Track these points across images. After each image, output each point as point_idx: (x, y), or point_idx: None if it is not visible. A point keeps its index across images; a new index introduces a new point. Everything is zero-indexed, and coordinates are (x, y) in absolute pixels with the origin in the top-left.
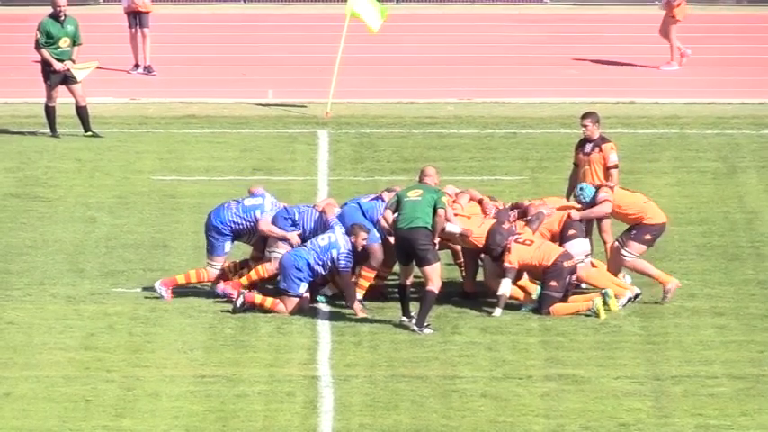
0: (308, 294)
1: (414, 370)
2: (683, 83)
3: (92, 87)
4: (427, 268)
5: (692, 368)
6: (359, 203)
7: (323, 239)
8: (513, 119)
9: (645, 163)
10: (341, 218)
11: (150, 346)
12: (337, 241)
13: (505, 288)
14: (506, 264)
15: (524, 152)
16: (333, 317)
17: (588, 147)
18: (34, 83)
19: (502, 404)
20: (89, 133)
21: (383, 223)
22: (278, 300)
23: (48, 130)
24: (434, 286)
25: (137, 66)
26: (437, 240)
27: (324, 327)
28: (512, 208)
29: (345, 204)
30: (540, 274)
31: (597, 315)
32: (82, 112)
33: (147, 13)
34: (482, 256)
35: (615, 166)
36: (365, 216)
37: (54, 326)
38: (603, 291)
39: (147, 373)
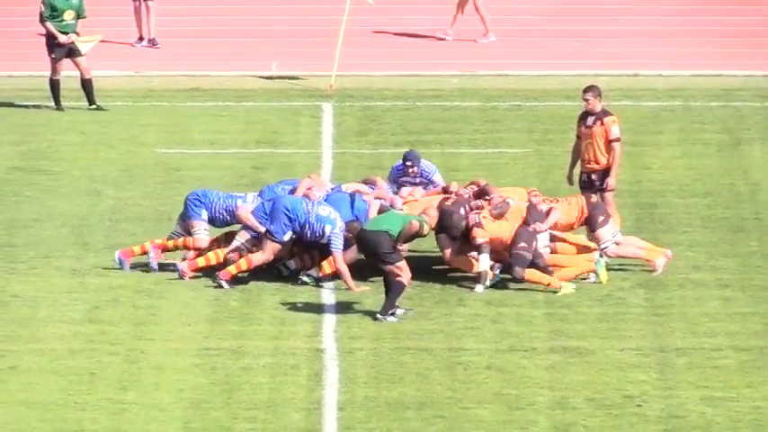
0: (287, 246)
1: (419, 342)
2: (688, 55)
3: (96, 60)
4: (392, 267)
5: (697, 340)
6: (352, 198)
7: (324, 209)
8: (517, 91)
9: (649, 135)
10: (327, 200)
11: (155, 318)
12: (336, 219)
13: (485, 264)
14: (478, 239)
15: (529, 124)
16: (338, 290)
17: (590, 120)
18: (38, 56)
19: (507, 376)
20: (93, 106)
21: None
22: (248, 255)
23: (52, 104)
24: (404, 278)
25: (141, 38)
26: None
27: (329, 299)
28: (475, 190)
29: (337, 189)
30: (507, 249)
31: (597, 279)
32: (86, 85)
33: None
34: (439, 236)
35: (617, 140)
36: (352, 209)
37: (59, 299)
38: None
39: (152, 346)
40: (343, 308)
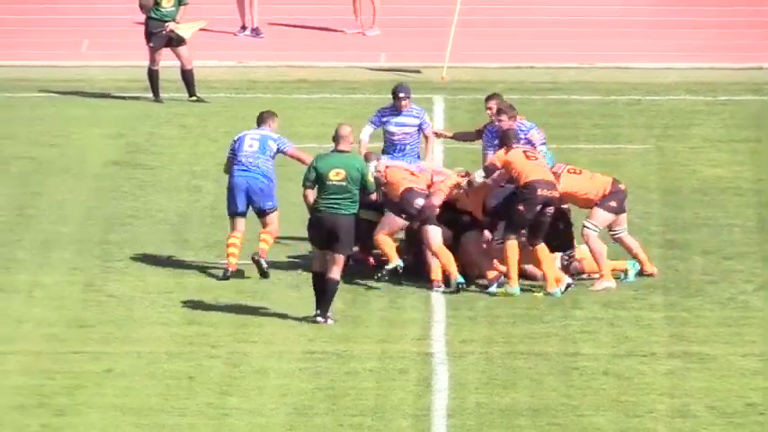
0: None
1: (532, 346)
2: None
3: (197, 50)
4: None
5: None
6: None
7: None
8: (636, 85)
9: None
10: None
11: (257, 320)
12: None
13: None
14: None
15: (649, 119)
16: (447, 291)
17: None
18: (136, 45)
19: (624, 382)
20: (194, 98)
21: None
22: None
23: (150, 95)
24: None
25: (243, 27)
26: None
27: (438, 301)
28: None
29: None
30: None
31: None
32: (187, 76)
33: None
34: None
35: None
36: None
37: (156, 299)
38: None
39: (254, 349)
40: (453, 310)
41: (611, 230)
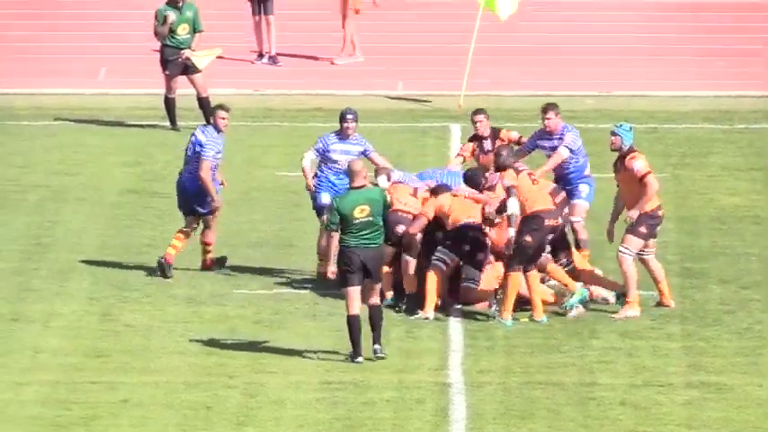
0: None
1: (550, 376)
2: None
3: (214, 78)
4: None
5: None
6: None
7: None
8: (654, 113)
9: None
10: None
11: (274, 350)
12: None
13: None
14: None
15: (666, 148)
16: (465, 320)
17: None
18: (153, 72)
19: (642, 413)
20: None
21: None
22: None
23: (167, 123)
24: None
25: (260, 55)
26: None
27: (456, 331)
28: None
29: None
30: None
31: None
32: (204, 104)
33: None
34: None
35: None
36: None
37: (174, 329)
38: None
39: (271, 379)
40: (470, 340)
41: (638, 250)
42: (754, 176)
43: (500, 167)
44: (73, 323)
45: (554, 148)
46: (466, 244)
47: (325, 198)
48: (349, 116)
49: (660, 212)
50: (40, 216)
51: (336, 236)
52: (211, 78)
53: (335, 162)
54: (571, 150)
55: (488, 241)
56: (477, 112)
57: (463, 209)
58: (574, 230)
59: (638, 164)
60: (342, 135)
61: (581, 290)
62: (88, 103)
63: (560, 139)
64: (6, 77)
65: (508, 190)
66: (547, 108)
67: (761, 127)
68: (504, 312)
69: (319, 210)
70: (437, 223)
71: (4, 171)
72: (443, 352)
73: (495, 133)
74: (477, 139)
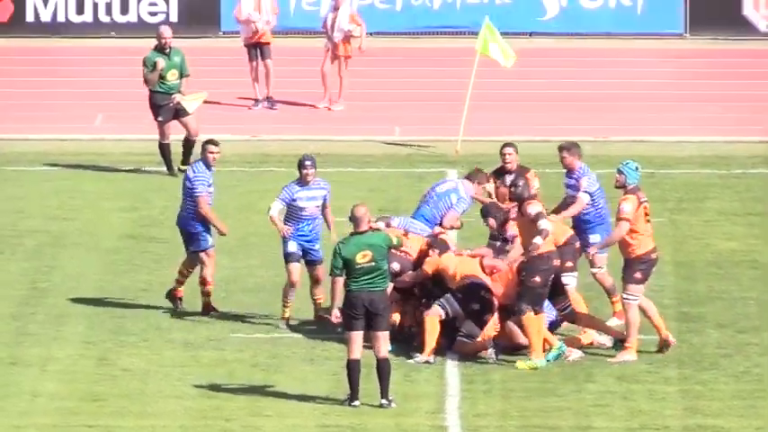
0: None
1: (546, 420)
2: None
3: (210, 124)
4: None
5: None
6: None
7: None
8: (650, 158)
9: None
10: None
11: (271, 393)
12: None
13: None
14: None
15: (663, 193)
16: (462, 364)
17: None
18: (149, 118)
19: None
20: (185, 167)
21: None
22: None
23: (164, 168)
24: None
25: (257, 101)
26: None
27: (453, 374)
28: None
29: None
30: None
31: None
32: (189, 145)
33: (268, 44)
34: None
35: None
36: None
37: (171, 373)
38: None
39: (268, 423)
40: (467, 384)
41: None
42: (751, 221)
43: (517, 199)
44: (69, 367)
45: (570, 186)
46: (476, 302)
47: (291, 247)
48: (307, 162)
49: (654, 255)
50: (37, 261)
51: (341, 280)
52: (208, 124)
53: (303, 209)
54: (590, 194)
55: (495, 301)
56: (508, 144)
57: (470, 268)
58: (597, 281)
59: (624, 206)
60: (302, 182)
61: (559, 344)
62: (85, 148)
63: (578, 179)
64: (3, 123)
65: (536, 216)
66: (560, 148)
67: (758, 172)
68: (534, 354)
69: (286, 257)
70: (433, 278)
71: (1, 216)
72: (440, 396)
73: (522, 171)
74: (500, 172)
